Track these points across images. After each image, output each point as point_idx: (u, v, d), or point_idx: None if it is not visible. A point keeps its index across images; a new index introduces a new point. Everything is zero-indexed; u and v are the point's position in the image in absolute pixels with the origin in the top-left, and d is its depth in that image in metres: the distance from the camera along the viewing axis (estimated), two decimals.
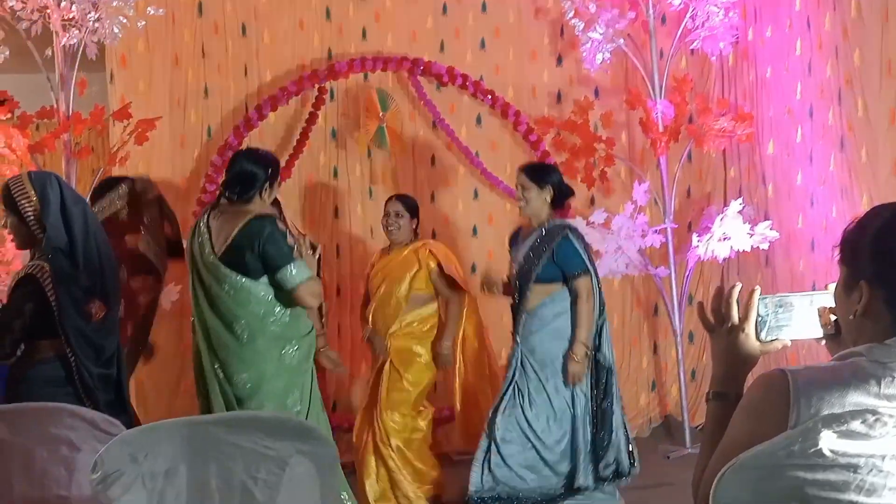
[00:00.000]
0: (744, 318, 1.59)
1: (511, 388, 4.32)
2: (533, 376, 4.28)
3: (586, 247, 4.35)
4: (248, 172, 3.38)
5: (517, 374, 4.31)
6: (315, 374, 3.57)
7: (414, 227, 4.65)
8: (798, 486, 1.41)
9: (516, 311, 4.38)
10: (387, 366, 4.50)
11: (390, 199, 4.75)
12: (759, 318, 1.59)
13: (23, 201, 3.05)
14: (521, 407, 4.27)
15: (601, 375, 4.33)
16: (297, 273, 3.25)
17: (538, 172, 4.39)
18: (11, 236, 3.18)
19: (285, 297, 3.32)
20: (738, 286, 1.61)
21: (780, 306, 1.59)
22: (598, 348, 4.34)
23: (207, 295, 3.38)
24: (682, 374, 5.69)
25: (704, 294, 6.19)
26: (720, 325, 1.62)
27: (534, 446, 4.30)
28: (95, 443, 2.48)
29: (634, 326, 6.22)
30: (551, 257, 4.23)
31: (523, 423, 4.28)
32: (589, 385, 4.31)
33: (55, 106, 4.91)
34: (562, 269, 4.22)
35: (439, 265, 4.58)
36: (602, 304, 4.36)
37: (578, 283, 4.23)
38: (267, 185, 3.41)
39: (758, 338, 1.59)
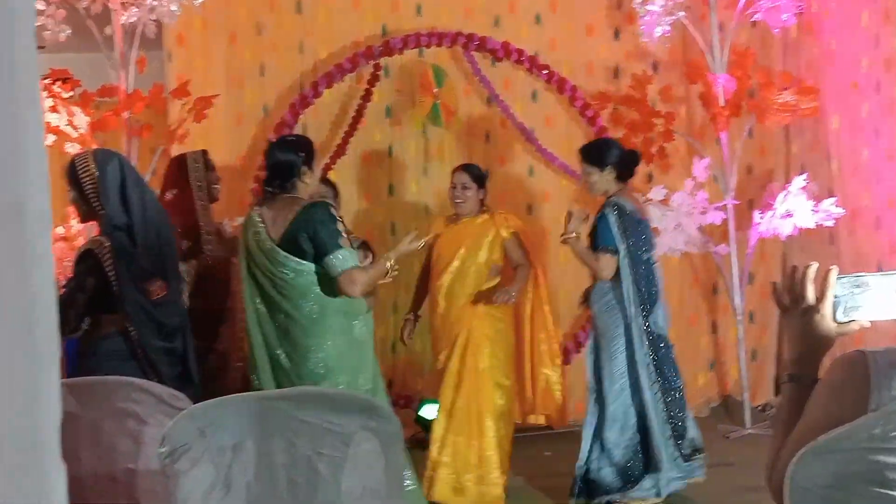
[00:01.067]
0: (820, 298, 1.54)
1: (588, 361, 4.41)
2: (601, 348, 4.35)
3: (626, 224, 4.27)
4: (283, 162, 3.40)
5: (590, 345, 4.42)
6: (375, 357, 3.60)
7: (481, 197, 4.58)
8: (878, 470, 1.37)
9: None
10: (473, 337, 4.41)
11: (456, 169, 4.67)
12: (836, 299, 1.54)
13: (84, 177, 3.11)
14: (603, 381, 4.32)
15: (655, 342, 4.30)
16: (340, 261, 3.23)
17: (597, 154, 4.34)
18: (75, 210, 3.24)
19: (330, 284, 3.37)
20: (815, 265, 1.56)
21: (857, 286, 1.54)
22: (652, 320, 4.31)
23: (267, 283, 3.38)
24: (742, 354, 5.60)
25: (765, 273, 6.08)
26: (795, 305, 1.56)
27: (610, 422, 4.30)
28: (162, 416, 2.51)
29: (693, 305, 6.13)
30: (594, 233, 4.28)
31: (606, 399, 4.30)
32: (648, 357, 4.27)
33: (115, 84, 4.97)
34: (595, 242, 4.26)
35: (516, 234, 4.55)
36: (651, 282, 4.33)
37: (598, 253, 4.24)
38: (305, 168, 3.41)
39: (834, 319, 1.54)
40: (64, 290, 3.10)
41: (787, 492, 1.44)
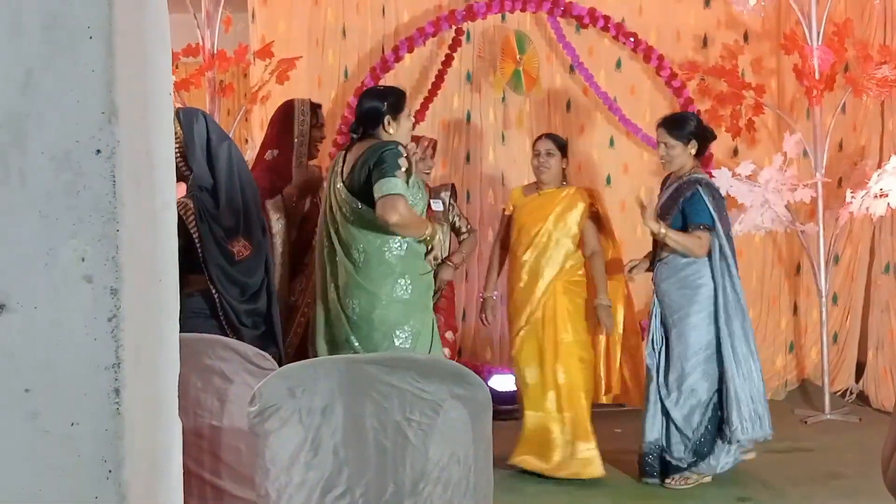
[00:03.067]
0: None
1: (650, 339, 4.27)
2: (670, 327, 4.22)
3: (718, 204, 4.19)
4: (368, 109, 3.41)
5: (653, 324, 4.28)
6: (435, 321, 3.52)
7: (564, 167, 4.50)
8: None
9: (654, 260, 4.32)
10: (553, 314, 4.37)
11: (540, 137, 4.58)
12: None
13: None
14: (669, 364, 4.21)
15: (747, 318, 4.22)
16: (389, 185, 3.16)
17: (681, 127, 4.22)
18: None
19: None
20: None
21: None
22: (742, 294, 4.22)
23: (333, 224, 3.39)
24: (824, 337, 5.42)
25: (851, 254, 5.88)
26: None
27: (678, 404, 4.20)
28: (247, 375, 2.52)
29: (774, 285, 5.97)
30: (681, 210, 4.16)
31: (672, 381, 4.20)
32: (743, 330, 4.18)
33: (200, 44, 4.99)
34: (686, 219, 4.14)
35: (596, 211, 4.49)
36: (728, 263, 4.20)
37: (697, 231, 4.12)
38: (389, 117, 3.39)
39: None
40: None
41: None
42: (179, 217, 3.03)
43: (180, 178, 3.15)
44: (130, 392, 0.79)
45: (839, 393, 5.73)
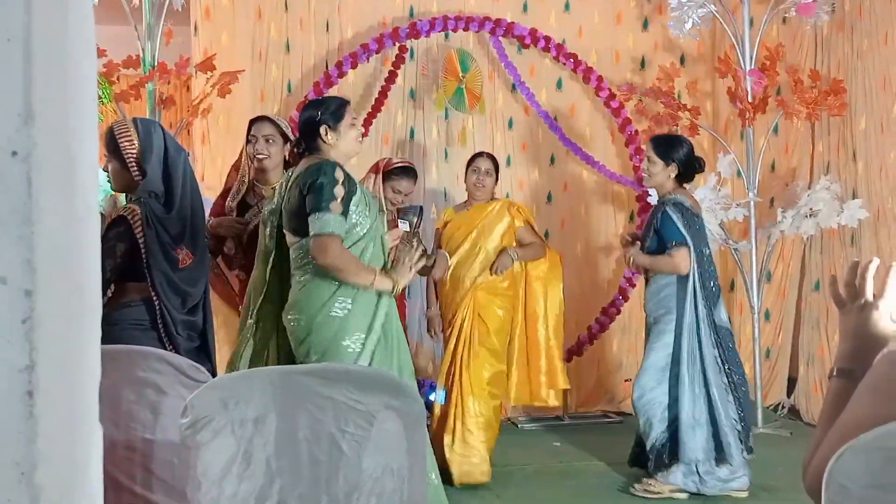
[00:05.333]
0: (878, 295, 1.50)
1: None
2: (648, 340, 4.36)
3: (688, 220, 4.26)
4: (305, 120, 3.25)
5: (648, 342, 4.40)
6: (396, 338, 3.33)
7: (494, 187, 4.70)
8: None
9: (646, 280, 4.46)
10: (469, 317, 4.47)
11: (480, 155, 4.74)
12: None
13: (125, 144, 3.06)
14: (640, 369, 4.33)
15: (722, 336, 4.30)
16: (318, 223, 3.03)
17: (666, 147, 4.29)
18: (110, 179, 3.19)
19: None
20: (875, 261, 1.52)
21: None
22: (717, 314, 4.32)
23: (273, 247, 3.32)
24: (757, 353, 5.55)
25: (783, 272, 6.04)
26: (852, 300, 1.53)
27: (640, 408, 4.29)
28: (181, 388, 2.49)
29: None
30: (656, 231, 4.26)
31: (636, 385, 4.30)
32: (715, 349, 4.27)
33: (140, 55, 4.95)
34: (661, 239, 4.25)
35: (528, 222, 4.66)
36: (712, 276, 4.35)
37: (672, 250, 4.21)
38: (326, 126, 3.21)
39: (892, 318, 1.50)
40: None
41: (826, 489, 1.41)
42: (127, 223, 3.02)
43: (132, 186, 3.11)
44: (45, 395, 0.79)
45: (771, 407, 5.86)
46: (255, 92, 5.59)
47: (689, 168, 4.31)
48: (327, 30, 5.75)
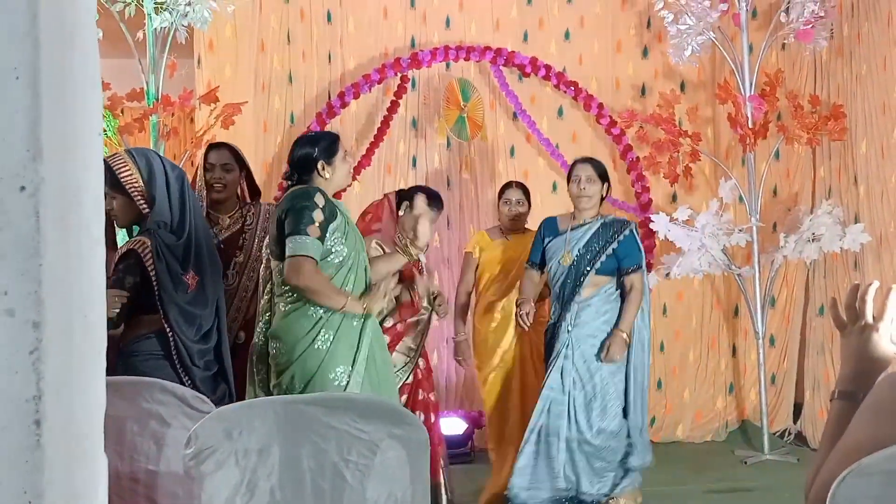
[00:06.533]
0: (878, 317, 1.51)
1: (558, 377, 4.19)
2: (582, 364, 4.17)
3: (641, 246, 4.38)
4: (301, 156, 3.32)
5: (565, 363, 4.19)
6: (380, 369, 3.33)
7: (527, 214, 4.70)
8: None
9: (565, 300, 4.24)
10: (527, 346, 4.47)
11: (511, 185, 4.73)
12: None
13: (126, 177, 3.05)
14: (571, 395, 4.17)
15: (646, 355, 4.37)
16: (293, 244, 3.08)
17: (602, 169, 4.35)
18: (114, 216, 3.14)
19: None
20: (876, 284, 1.54)
21: None
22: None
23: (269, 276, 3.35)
24: (762, 378, 5.54)
25: (787, 296, 6.04)
26: (853, 322, 1.54)
27: (582, 432, 4.19)
28: (185, 419, 2.50)
29: (713, 327, 6.09)
30: (614, 251, 4.20)
31: (573, 411, 4.18)
32: (635, 365, 4.29)
33: (144, 88, 5.00)
34: (620, 262, 4.19)
35: None
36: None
37: (635, 277, 4.20)
38: (322, 162, 3.28)
39: (893, 340, 1.51)
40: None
41: None
42: (137, 256, 3.00)
43: (138, 217, 3.10)
44: (51, 424, 0.80)
45: (778, 433, 5.84)
46: (258, 123, 5.64)
47: (609, 187, 4.38)
48: (329, 61, 5.81)
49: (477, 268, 4.64)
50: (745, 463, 5.39)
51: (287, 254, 3.10)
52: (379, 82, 5.62)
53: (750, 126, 5.38)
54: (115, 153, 3.16)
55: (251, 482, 2.03)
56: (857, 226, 5.29)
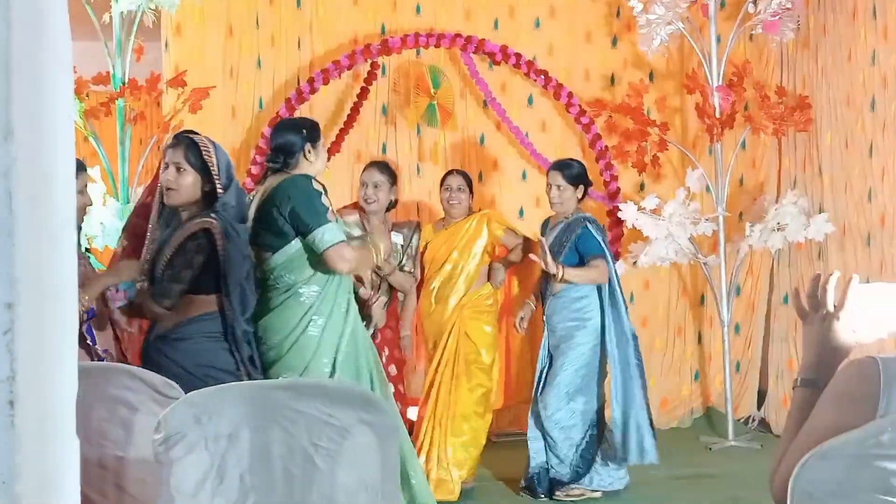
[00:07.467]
0: (839, 306, 1.54)
1: (540, 369, 4.53)
2: (556, 356, 4.48)
3: (604, 237, 4.61)
4: (288, 140, 3.36)
5: (542, 353, 4.56)
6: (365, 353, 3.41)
7: (470, 202, 4.73)
8: (884, 478, 1.37)
9: (543, 294, 4.56)
10: (455, 337, 4.54)
11: (451, 173, 4.80)
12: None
13: (209, 158, 3.06)
14: (549, 385, 4.45)
15: (635, 340, 4.52)
16: (326, 236, 3.14)
17: (574, 174, 4.56)
18: (173, 189, 3.07)
19: (316, 263, 3.22)
20: (837, 274, 1.57)
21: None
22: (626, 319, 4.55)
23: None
24: (727, 366, 5.61)
25: (752, 285, 6.12)
26: (815, 311, 1.57)
27: (557, 422, 4.43)
28: (153, 405, 2.48)
29: (680, 315, 6.15)
30: (574, 246, 4.45)
31: (552, 401, 4.43)
32: (634, 355, 4.48)
33: (110, 71, 4.94)
34: (581, 254, 4.44)
35: (508, 228, 4.76)
36: (620, 290, 4.58)
37: (595, 261, 4.43)
38: (308, 146, 3.35)
39: (853, 329, 1.54)
40: (169, 266, 3.02)
41: (791, 496, 1.44)
42: (210, 234, 2.97)
43: (198, 197, 3.09)
44: (24, 405, 0.80)
45: (742, 420, 5.92)
46: (226, 108, 5.59)
47: (587, 186, 4.62)
48: (299, 46, 5.77)
49: (422, 259, 4.72)
50: (710, 449, 5.46)
51: (323, 247, 3.13)
52: (349, 69, 5.59)
53: (717, 116, 5.43)
54: (194, 134, 3.14)
55: (221, 467, 2.03)
56: (821, 216, 5.37)
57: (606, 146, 5.75)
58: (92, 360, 3.24)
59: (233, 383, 2.21)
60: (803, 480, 1.43)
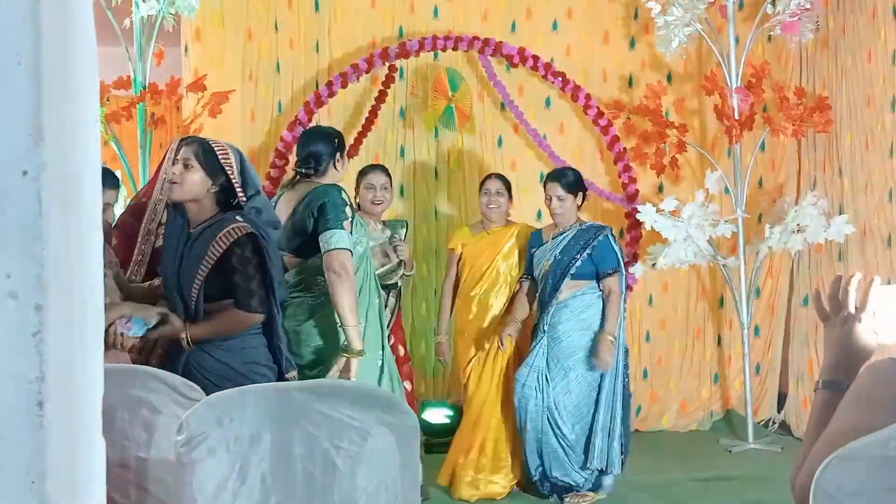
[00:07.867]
0: (861, 308, 1.54)
1: (534, 375, 4.39)
2: (556, 365, 4.38)
3: (620, 247, 4.57)
4: (319, 150, 3.49)
5: (536, 360, 4.40)
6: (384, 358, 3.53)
7: (508, 207, 4.74)
8: None
9: (544, 303, 4.47)
10: (509, 353, 4.54)
11: (490, 177, 4.79)
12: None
13: (226, 159, 2.95)
14: (545, 394, 4.36)
15: (621, 357, 4.48)
16: (334, 239, 3.21)
17: (572, 182, 4.52)
18: (177, 183, 2.93)
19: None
20: (858, 275, 1.56)
21: None
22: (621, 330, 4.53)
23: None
24: (747, 368, 5.58)
25: (772, 287, 6.09)
26: (836, 313, 1.57)
27: (557, 433, 4.37)
28: (175, 406, 2.50)
29: (699, 317, 6.13)
30: (590, 255, 4.39)
31: (550, 410, 4.36)
32: (616, 370, 4.43)
33: (131, 76, 4.98)
34: (597, 265, 4.40)
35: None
36: (626, 301, 4.60)
37: (612, 280, 4.39)
38: (338, 155, 3.52)
39: (874, 330, 1.54)
40: (240, 276, 2.87)
41: (813, 498, 1.44)
42: (255, 238, 2.85)
43: (221, 203, 2.99)
44: (53, 405, 0.81)
45: (762, 423, 5.89)
46: (245, 112, 5.63)
47: (585, 192, 4.59)
48: (317, 50, 5.80)
49: (459, 262, 4.71)
50: (730, 452, 5.44)
51: (329, 246, 3.21)
52: (367, 72, 5.62)
53: (736, 118, 5.41)
54: (211, 140, 3.05)
55: (242, 469, 2.04)
56: (841, 217, 5.33)
57: (625, 148, 5.74)
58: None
59: (255, 385, 2.22)
60: (825, 482, 1.43)
